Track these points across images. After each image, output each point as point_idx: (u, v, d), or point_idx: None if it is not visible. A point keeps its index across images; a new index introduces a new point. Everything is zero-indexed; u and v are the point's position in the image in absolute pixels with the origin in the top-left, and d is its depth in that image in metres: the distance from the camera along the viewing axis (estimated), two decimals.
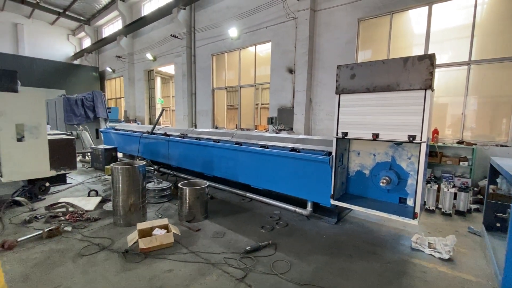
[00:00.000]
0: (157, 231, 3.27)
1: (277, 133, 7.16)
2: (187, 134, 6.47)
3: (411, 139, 2.94)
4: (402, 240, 3.57)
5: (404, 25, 6.75)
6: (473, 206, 4.75)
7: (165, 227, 3.39)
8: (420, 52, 6.37)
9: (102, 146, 7.58)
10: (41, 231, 3.40)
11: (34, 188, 4.79)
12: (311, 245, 3.37)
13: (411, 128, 2.94)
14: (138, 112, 16.48)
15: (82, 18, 19.76)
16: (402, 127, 2.99)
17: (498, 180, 3.82)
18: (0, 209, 4.18)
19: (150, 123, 15.87)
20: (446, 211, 4.53)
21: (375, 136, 3.18)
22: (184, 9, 11.50)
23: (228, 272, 2.74)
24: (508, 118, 5.45)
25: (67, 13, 18.76)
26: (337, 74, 3.39)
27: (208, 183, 4.39)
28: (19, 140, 4.38)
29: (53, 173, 4.82)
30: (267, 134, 5.54)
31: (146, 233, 3.25)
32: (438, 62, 6.12)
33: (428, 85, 2.80)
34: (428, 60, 2.80)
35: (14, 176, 4.43)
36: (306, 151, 4.10)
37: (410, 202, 3.46)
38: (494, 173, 3.71)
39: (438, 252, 3.18)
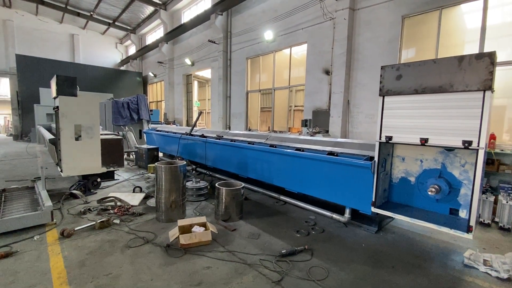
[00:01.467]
0: (196, 228, 3.40)
1: (311, 135, 7.02)
2: (222, 136, 6.66)
3: (466, 144, 2.68)
4: (452, 255, 3.26)
5: (454, 21, 6.20)
6: None
7: (203, 225, 3.51)
8: (474, 49, 5.79)
9: (145, 146, 8.13)
10: (94, 222, 3.75)
11: (88, 183, 5.30)
12: (350, 253, 3.24)
13: (466, 133, 2.68)
14: (176, 114, 17.38)
15: (129, 28, 21.49)
16: (456, 131, 2.74)
17: None
18: (59, 200, 4.69)
19: (188, 124, 16.63)
20: (504, 226, 4.05)
21: (424, 141, 2.95)
22: (222, 14, 11.88)
23: (264, 274, 2.74)
24: None
25: (116, 23, 20.57)
26: (381, 75, 3.23)
27: (243, 184, 4.46)
28: (77, 139, 4.87)
29: (104, 169, 5.28)
30: (302, 137, 5.46)
31: (186, 230, 3.40)
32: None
33: (487, 86, 2.53)
34: (487, 59, 2.53)
35: (71, 171, 4.94)
36: (344, 155, 3.96)
37: (462, 214, 3.15)
38: None
39: (495, 270, 2.85)
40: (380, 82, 3.24)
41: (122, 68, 23.42)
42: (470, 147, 2.67)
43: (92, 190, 5.35)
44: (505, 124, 5.62)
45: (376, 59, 7.00)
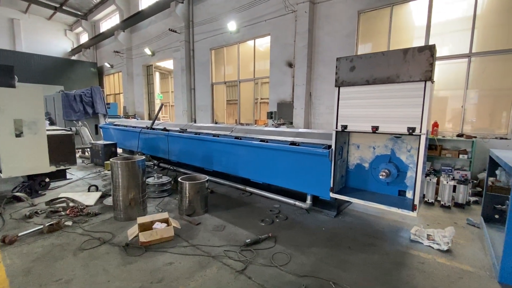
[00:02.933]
0: (158, 225, 3.28)
1: (276, 127, 7.14)
2: (186, 129, 6.46)
3: (410, 131, 2.93)
4: (401, 232, 3.60)
5: (404, 18, 6.69)
6: (472, 199, 4.76)
7: (166, 221, 3.40)
8: (421, 45, 6.31)
9: (101, 142, 7.57)
10: (41, 226, 3.41)
11: (34, 184, 4.79)
12: (311, 238, 3.39)
13: (410, 120, 2.93)
14: (137, 107, 16.43)
15: (79, 13, 19.56)
16: (402, 119, 2.98)
17: (497, 172, 3.83)
18: (0, 205, 4.19)
19: (150, 118, 15.82)
20: (445, 204, 4.55)
21: (375, 129, 3.17)
22: (182, 2, 11.37)
23: (228, 264, 2.76)
24: (508, 111, 5.44)
25: (63, 7, 18.58)
26: (336, 67, 3.37)
27: (208, 177, 4.39)
28: (18, 135, 4.36)
29: (53, 168, 4.82)
30: (266, 128, 5.53)
31: (146, 227, 3.26)
32: (438, 55, 6.07)
33: (428, 77, 2.78)
34: (428, 51, 2.77)
35: (13, 171, 4.43)
36: (305, 144, 4.09)
37: (409, 194, 3.47)
38: (493, 165, 3.72)
39: (437, 243, 3.20)
40: (336, 74, 3.38)
41: (73, 57, 21.32)
42: (413, 133, 2.92)
43: (39, 192, 4.85)
44: (448, 113, 6.26)
45: (335, 53, 7.28)
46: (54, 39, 21.22)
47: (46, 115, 9.31)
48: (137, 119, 13.39)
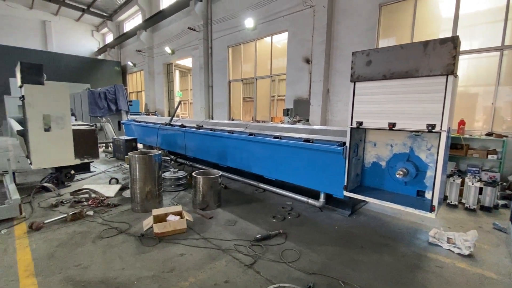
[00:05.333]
0: (171, 217, 3.38)
1: (292, 124, 7.07)
2: (202, 126, 6.57)
3: (430, 128, 2.78)
4: (418, 234, 3.44)
5: (430, 9, 6.33)
6: (501, 202, 4.45)
7: (179, 213, 3.49)
8: None
9: (123, 137, 7.90)
10: (65, 215, 3.64)
11: (61, 175, 5.11)
12: (323, 236, 3.34)
13: (430, 117, 2.78)
14: (158, 105, 16.94)
15: (105, 14, 20.44)
16: (421, 115, 2.84)
17: None
18: (30, 194, 4.51)
19: (169, 115, 16.24)
20: (469, 206, 4.29)
21: (391, 126, 3.04)
22: (201, 1, 11.51)
23: (238, 258, 2.79)
24: None
25: (90, 9, 19.49)
26: (352, 61, 3.27)
27: (221, 172, 4.45)
28: (46, 130, 4.65)
29: (77, 161, 5.10)
30: (280, 125, 5.49)
31: (161, 219, 3.37)
32: (468, 48, 5.70)
33: (450, 71, 2.62)
34: (450, 43, 2.61)
35: (42, 163, 4.74)
36: (320, 141, 4.02)
37: (428, 195, 3.30)
38: None
39: (458, 247, 3.03)
40: (352, 68, 3.28)
41: (99, 57, 22.34)
42: (433, 131, 2.77)
43: (65, 183, 5.17)
44: (478, 111, 5.84)
45: (355, 48, 6.99)
46: (82, 40, 22.35)
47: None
48: (158, 116, 13.80)
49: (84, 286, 2.32)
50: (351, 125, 3.36)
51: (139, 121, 9.06)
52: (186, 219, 3.38)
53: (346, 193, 3.52)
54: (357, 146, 3.62)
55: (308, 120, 7.86)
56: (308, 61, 8.16)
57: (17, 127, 6.81)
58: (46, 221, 3.48)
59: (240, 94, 11.71)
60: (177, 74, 16.56)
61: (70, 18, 21.17)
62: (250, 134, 5.17)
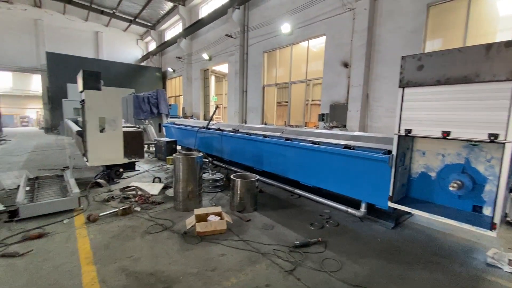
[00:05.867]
0: (212, 218, 3.50)
1: (328, 130, 6.92)
2: (238, 130, 6.72)
3: (492, 138, 2.54)
4: (474, 254, 3.14)
5: (485, 8, 5.82)
6: None
7: (219, 214, 3.60)
8: (507, 38, 5.42)
9: (164, 139, 8.39)
10: (116, 209, 3.96)
11: (111, 173, 5.58)
12: (365, 247, 3.20)
13: (492, 126, 2.55)
14: (194, 109, 17.71)
15: (149, 24, 22.02)
16: (481, 124, 2.61)
17: None
18: (85, 188, 4.99)
19: (205, 119, 16.91)
20: None
21: (446, 134, 2.84)
22: (239, 8, 11.88)
23: (277, 263, 2.79)
24: None
25: (136, 20, 21.14)
26: (401, 66, 3.12)
27: (258, 176, 4.50)
28: (101, 131, 5.13)
29: (126, 160, 5.52)
30: (318, 130, 5.41)
31: (202, 218, 3.51)
32: None
33: None
34: None
35: (97, 161, 5.22)
36: (361, 149, 3.89)
37: (487, 211, 3.00)
38: None
39: None
40: (400, 73, 3.14)
41: (142, 63, 24.10)
42: (496, 141, 2.53)
43: (115, 180, 5.63)
44: None
45: (398, 51, 6.73)
46: (128, 48, 24.32)
47: None
48: (194, 119, 14.44)
49: (137, 277, 2.50)
50: (399, 132, 3.20)
51: (179, 124, 9.55)
52: (226, 220, 3.48)
53: (391, 204, 3.34)
54: (404, 154, 3.43)
55: (345, 126, 7.63)
56: (346, 65, 7.95)
57: (74, 127, 7.59)
58: (100, 214, 3.82)
59: (274, 99, 11.79)
60: (212, 79, 17.20)
61: (118, 29, 23.18)
62: (287, 139, 5.17)
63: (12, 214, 3.60)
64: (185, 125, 9.07)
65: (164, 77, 22.26)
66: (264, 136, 5.69)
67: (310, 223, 3.82)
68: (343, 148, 4.05)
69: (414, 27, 6.51)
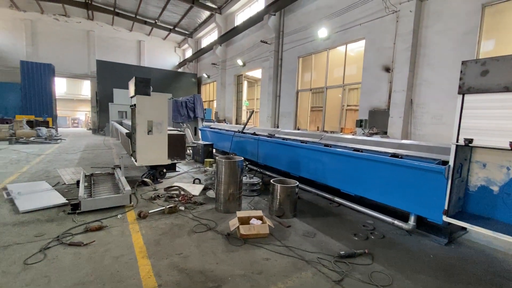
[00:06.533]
0: (254, 221, 3.56)
1: (368, 136, 6.67)
2: (274, 134, 6.77)
3: None
4: None
5: None
6: None
7: (260, 218, 3.65)
8: None
9: (201, 142, 8.71)
10: (163, 207, 4.19)
11: (156, 173, 5.93)
12: (416, 263, 3.02)
13: None
14: (227, 113, 18.16)
15: (186, 32, 23.17)
16: None
17: None
18: (133, 186, 5.35)
19: (237, 123, 17.26)
20: None
21: None
22: (274, 15, 12.02)
23: (323, 272, 2.74)
24: None
25: (175, 29, 22.37)
26: (461, 71, 2.93)
27: (298, 183, 4.48)
28: (149, 133, 5.48)
29: (169, 161, 5.84)
30: (359, 137, 5.24)
31: (244, 221, 3.58)
32: None
33: None
34: None
35: (144, 161, 5.59)
36: (410, 158, 3.69)
37: None
38: None
39: None
40: (460, 79, 2.94)
41: (179, 70, 25.37)
42: None
43: (158, 179, 5.97)
44: None
45: (448, 54, 6.31)
46: (166, 55, 25.80)
47: None
48: (227, 123, 14.80)
49: (188, 274, 2.62)
50: (457, 142, 2.99)
51: (214, 128, 9.87)
52: (268, 225, 3.50)
53: (446, 219, 3.12)
54: (461, 166, 3.19)
55: (385, 133, 7.30)
56: (387, 69, 7.63)
57: (122, 129, 8.20)
58: (150, 211, 4.07)
59: (308, 104, 11.66)
60: (245, 85, 17.53)
61: (159, 37, 24.71)
62: (326, 145, 5.08)
63: (75, 207, 3.98)
64: (221, 129, 9.34)
65: (199, 82, 23.18)
66: (301, 141, 5.66)
67: (354, 233, 3.70)
68: (390, 156, 3.88)
69: (466, 29, 6.06)
